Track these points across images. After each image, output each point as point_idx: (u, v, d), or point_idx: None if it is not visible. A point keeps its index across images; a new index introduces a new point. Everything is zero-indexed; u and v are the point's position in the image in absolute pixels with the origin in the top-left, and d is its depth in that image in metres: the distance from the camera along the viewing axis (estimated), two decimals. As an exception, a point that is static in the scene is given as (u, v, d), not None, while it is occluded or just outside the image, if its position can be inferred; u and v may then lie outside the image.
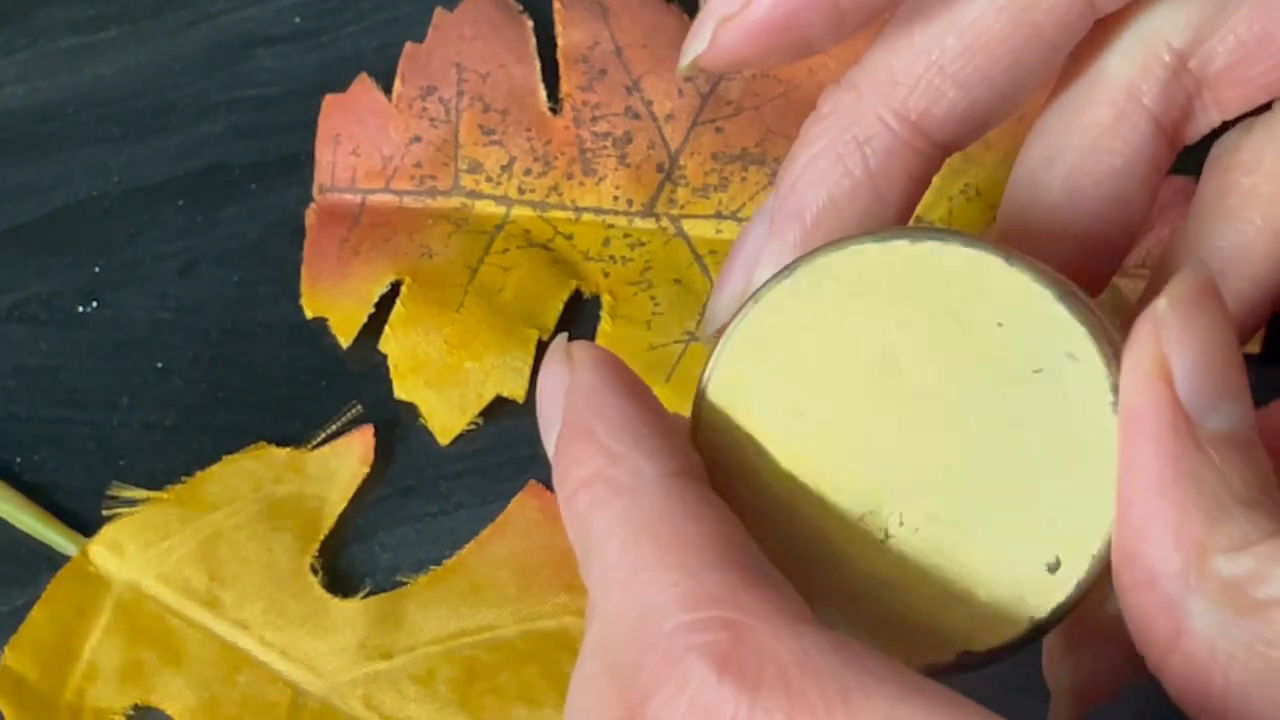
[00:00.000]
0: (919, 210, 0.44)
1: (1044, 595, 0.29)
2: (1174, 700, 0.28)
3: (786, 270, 0.31)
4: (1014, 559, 0.29)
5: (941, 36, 0.33)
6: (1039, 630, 0.29)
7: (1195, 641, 0.27)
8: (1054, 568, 0.29)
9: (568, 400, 0.30)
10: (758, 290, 0.31)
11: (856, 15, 0.33)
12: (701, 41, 0.33)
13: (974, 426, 0.30)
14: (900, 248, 0.30)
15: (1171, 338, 0.28)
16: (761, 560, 0.28)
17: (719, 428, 0.31)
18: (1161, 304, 0.28)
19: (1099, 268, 0.34)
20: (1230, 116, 0.34)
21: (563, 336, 0.31)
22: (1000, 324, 0.30)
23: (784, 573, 0.28)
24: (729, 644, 0.27)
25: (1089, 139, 0.34)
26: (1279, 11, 0.33)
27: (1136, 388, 0.28)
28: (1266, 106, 0.34)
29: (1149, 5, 0.34)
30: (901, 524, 0.30)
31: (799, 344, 0.31)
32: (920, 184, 0.34)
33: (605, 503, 0.29)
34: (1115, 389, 0.29)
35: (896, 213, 0.34)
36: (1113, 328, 0.30)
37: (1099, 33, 0.34)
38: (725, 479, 0.30)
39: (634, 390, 0.30)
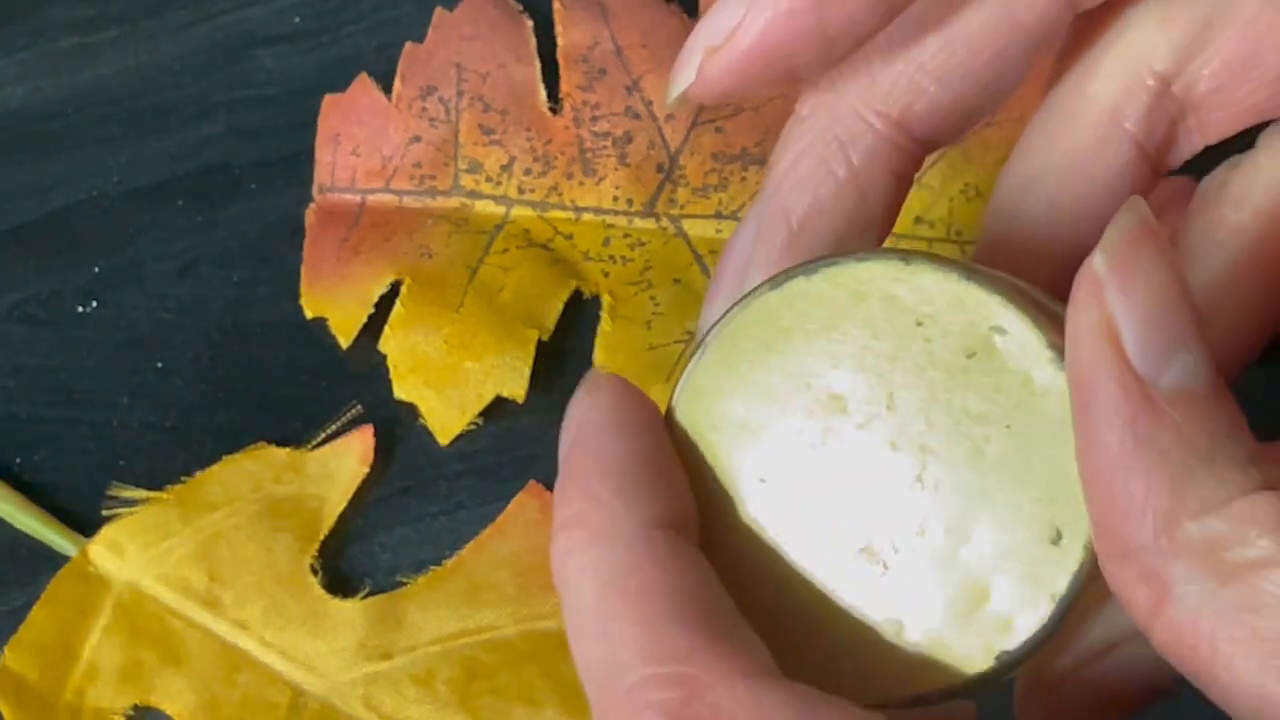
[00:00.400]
0: (920, 211, 0.44)
1: (1056, 569, 0.29)
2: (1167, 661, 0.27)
3: (700, 346, 0.31)
4: (1016, 544, 0.29)
5: (920, 32, 0.33)
6: (1065, 606, 0.29)
7: (1178, 609, 0.26)
8: (1056, 539, 0.29)
9: (575, 437, 0.30)
10: (687, 363, 0.31)
11: (844, 41, 0.32)
12: (689, 74, 0.32)
13: (931, 431, 0.29)
14: (797, 286, 0.30)
15: (1114, 295, 0.26)
16: (726, 612, 0.28)
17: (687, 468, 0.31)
18: (1098, 259, 0.27)
19: None
20: (1214, 140, 0.34)
21: (593, 370, 0.31)
22: (919, 323, 0.29)
23: (774, 629, 0.28)
24: (681, 701, 0.27)
25: (1070, 162, 0.33)
26: (1264, 33, 0.32)
27: (1082, 356, 0.27)
28: (1251, 134, 0.34)
29: (1133, 27, 0.33)
30: (897, 551, 0.29)
31: (740, 409, 0.30)
32: (905, 180, 0.34)
33: (581, 549, 0.29)
34: (1051, 346, 0.29)
35: (882, 210, 0.34)
36: (1035, 290, 0.30)
37: (1081, 53, 0.34)
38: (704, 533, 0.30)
39: (640, 431, 0.30)
